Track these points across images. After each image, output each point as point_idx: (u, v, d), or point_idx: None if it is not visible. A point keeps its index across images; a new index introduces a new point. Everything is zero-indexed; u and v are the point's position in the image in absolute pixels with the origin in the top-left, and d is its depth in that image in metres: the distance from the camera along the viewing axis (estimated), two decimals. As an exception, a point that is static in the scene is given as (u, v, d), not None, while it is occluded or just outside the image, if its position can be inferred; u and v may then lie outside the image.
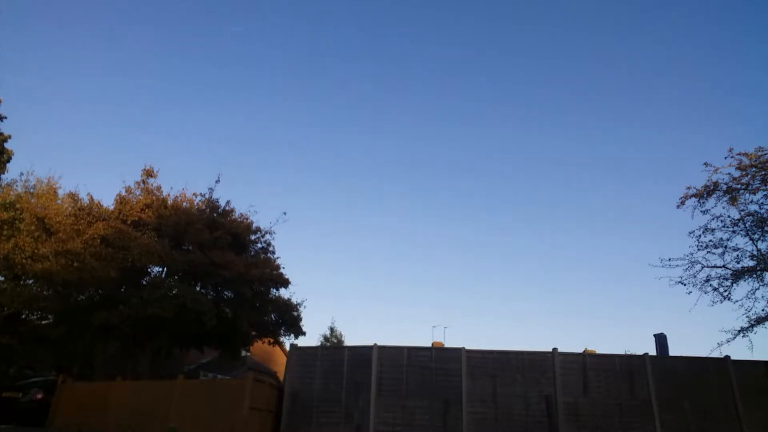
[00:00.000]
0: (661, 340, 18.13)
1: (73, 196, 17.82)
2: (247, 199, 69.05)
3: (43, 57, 72.36)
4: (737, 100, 78.67)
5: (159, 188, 18.20)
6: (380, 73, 79.85)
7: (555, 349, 11.44)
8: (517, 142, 78.35)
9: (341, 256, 76.79)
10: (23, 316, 16.62)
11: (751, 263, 12.03)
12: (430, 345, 19.10)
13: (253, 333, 18.38)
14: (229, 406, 10.36)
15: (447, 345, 20.44)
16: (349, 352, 11.91)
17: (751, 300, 12.08)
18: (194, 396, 11.11)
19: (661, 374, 11.26)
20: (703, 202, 12.03)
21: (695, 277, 12.36)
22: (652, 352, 17.29)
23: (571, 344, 31.84)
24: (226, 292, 17.60)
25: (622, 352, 12.03)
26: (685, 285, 12.43)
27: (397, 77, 79.37)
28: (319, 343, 37.33)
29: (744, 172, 11.51)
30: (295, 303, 18.47)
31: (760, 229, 11.87)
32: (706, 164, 11.76)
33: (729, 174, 11.68)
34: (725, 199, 11.88)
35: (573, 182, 71.75)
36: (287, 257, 61.05)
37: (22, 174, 18.48)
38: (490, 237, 78.19)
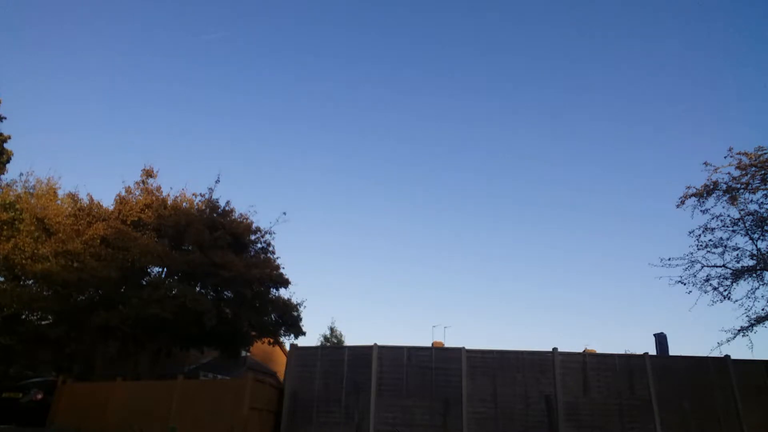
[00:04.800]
0: (661, 339, 18.14)
1: (72, 197, 17.84)
2: (247, 199, 69.01)
3: (42, 57, 72.38)
4: (737, 100, 78.71)
5: (159, 188, 18.23)
6: (380, 73, 79.88)
7: (555, 349, 11.43)
8: (517, 142, 78.39)
9: (341, 256, 76.75)
10: (23, 317, 16.63)
11: (751, 262, 12.03)
12: (430, 345, 19.11)
13: (253, 333, 18.37)
14: (229, 406, 10.35)
15: (447, 345, 20.47)
16: (349, 352, 11.90)
17: (750, 299, 12.08)
18: (194, 396, 11.10)
19: (661, 374, 11.25)
20: (703, 202, 12.02)
21: (695, 276, 12.36)
22: (652, 351, 17.29)
23: (571, 344, 31.82)
24: (226, 292, 17.59)
25: (622, 352, 12.02)
26: (685, 284, 12.43)
27: (397, 77, 79.40)
28: (319, 343, 37.35)
29: (744, 172, 11.49)
30: (295, 303, 18.47)
31: (759, 229, 11.86)
32: (705, 164, 11.75)
33: (729, 173, 11.67)
34: (725, 198, 11.87)
35: (573, 182, 71.76)
36: (287, 257, 61.02)
37: (21, 174, 18.51)
38: (490, 237, 78.23)
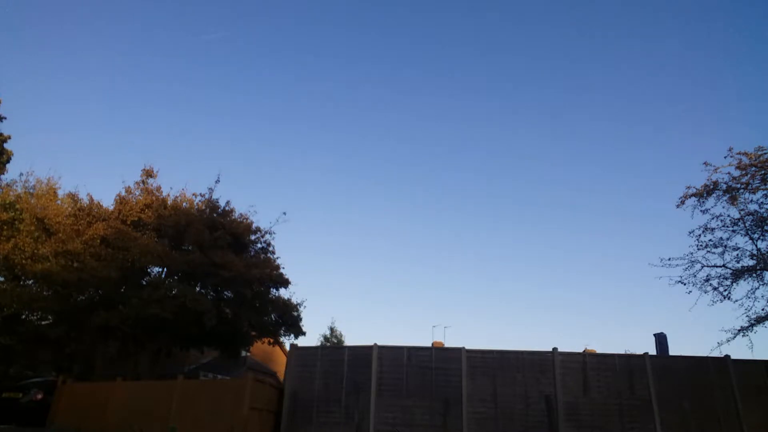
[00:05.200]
0: (661, 339, 18.13)
1: (72, 197, 17.84)
2: (247, 199, 69.03)
3: (42, 57, 72.39)
4: (737, 100, 78.71)
5: (159, 188, 18.23)
6: (381, 74, 79.89)
7: (555, 349, 11.43)
8: (517, 142, 78.41)
9: (341, 256, 76.76)
10: (23, 317, 16.62)
11: (751, 262, 12.03)
12: (430, 345, 19.11)
13: (253, 333, 18.38)
14: (229, 406, 10.35)
15: (447, 345, 20.47)
16: (349, 352, 11.90)
17: (750, 299, 12.09)
18: (194, 396, 11.10)
19: (661, 374, 11.25)
20: (703, 202, 12.02)
21: (695, 276, 12.36)
22: (652, 351, 17.29)
23: (571, 344, 31.80)
24: (226, 292, 17.60)
25: (622, 352, 12.02)
26: (685, 284, 12.44)
27: (397, 77, 79.40)
28: (319, 343, 37.35)
29: (744, 172, 11.50)
30: (295, 303, 18.48)
31: (759, 229, 11.87)
32: (705, 164, 11.75)
33: (729, 173, 11.68)
34: (725, 198, 11.87)
35: (573, 182, 71.77)
36: (287, 257, 61.01)
37: (21, 174, 18.49)
38: (490, 237, 78.24)
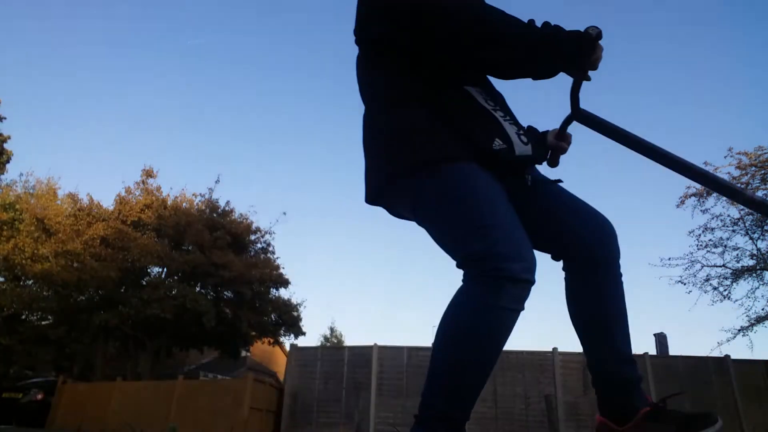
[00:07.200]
0: (661, 339, 18.11)
1: (72, 197, 17.85)
2: (247, 199, 68.96)
3: (42, 57, 72.36)
4: (737, 100, 78.74)
5: (159, 188, 18.25)
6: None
7: (555, 349, 11.44)
8: (516, 141, 78.27)
9: (341, 256, 76.76)
10: (23, 317, 16.65)
11: (751, 262, 12.06)
12: (430, 345, 19.12)
13: (253, 333, 18.41)
14: (229, 406, 10.36)
15: (447, 345, 20.42)
16: (349, 352, 11.91)
17: (751, 299, 12.13)
18: (194, 396, 11.11)
19: (661, 374, 11.25)
20: (703, 202, 12.05)
21: (695, 276, 12.41)
22: (652, 351, 17.26)
23: (571, 344, 31.93)
24: (225, 293, 17.62)
25: (622, 352, 12.01)
26: (684, 284, 12.49)
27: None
28: (319, 343, 37.33)
29: (743, 172, 11.53)
30: (295, 303, 18.50)
31: (759, 228, 11.89)
32: (705, 164, 11.74)
33: (728, 173, 11.70)
34: (725, 198, 11.89)
35: (573, 182, 71.64)
36: (287, 257, 60.91)
37: (21, 174, 18.50)
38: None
